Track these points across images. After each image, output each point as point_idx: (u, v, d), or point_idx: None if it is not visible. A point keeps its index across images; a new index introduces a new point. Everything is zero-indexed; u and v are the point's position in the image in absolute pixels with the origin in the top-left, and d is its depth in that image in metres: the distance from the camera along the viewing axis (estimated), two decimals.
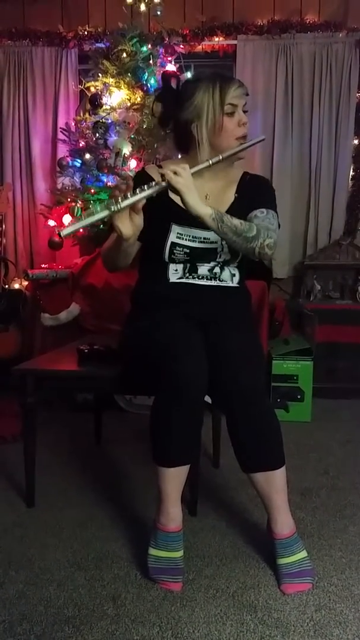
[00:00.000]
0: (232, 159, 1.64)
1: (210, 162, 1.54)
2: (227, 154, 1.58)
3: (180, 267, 1.66)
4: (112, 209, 1.38)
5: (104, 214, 1.38)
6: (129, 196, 1.41)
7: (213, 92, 1.57)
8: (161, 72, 3.15)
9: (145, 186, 1.44)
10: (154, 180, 1.62)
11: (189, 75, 3.06)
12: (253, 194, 1.69)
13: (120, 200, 1.39)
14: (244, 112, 1.63)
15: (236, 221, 1.52)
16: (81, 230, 3.07)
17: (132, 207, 1.43)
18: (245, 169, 1.80)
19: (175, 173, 1.44)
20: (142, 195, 1.42)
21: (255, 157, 3.49)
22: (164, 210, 1.58)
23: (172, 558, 1.45)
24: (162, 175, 1.45)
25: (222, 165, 1.61)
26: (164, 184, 1.44)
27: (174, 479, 1.47)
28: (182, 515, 1.50)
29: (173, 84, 1.66)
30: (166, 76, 1.68)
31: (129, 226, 1.45)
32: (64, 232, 1.38)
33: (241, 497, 1.94)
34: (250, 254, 1.58)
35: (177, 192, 1.45)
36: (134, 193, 1.41)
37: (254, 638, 1.25)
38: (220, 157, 1.56)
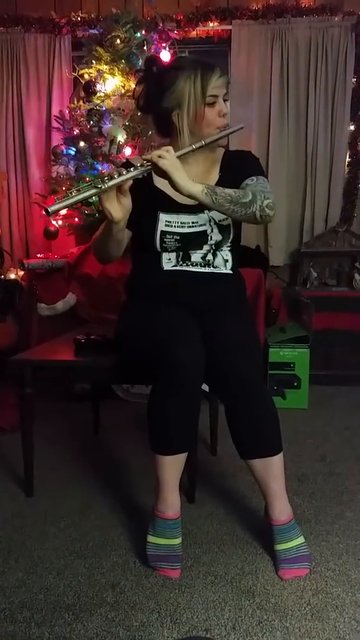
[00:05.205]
0: (213, 144, 1.64)
1: (194, 146, 1.55)
2: (210, 139, 1.59)
3: (173, 255, 1.66)
4: (99, 187, 1.40)
5: (91, 191, 1.41)
6: (115, 177, 1.42)
7: (194, 82, 1.57)
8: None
9: (132, 168, 1.46)
10: None
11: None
12: (237, 167, 1.69)
13: (107, 180, 1.41)
14: (225, 100, 1.62)
15: (229, 190, 1.52)
16: (76, 220, 3.08)
17: (119, 189, 1.44)
18: None
19: (159, 156, 1.45)
20: (128, 175, 1.44)
21: (251, 143, 3.45)
22: (151, 200, 1.58)
23: (170, 545, 1.46)
24: (147, 161, 1.45)
25: (203, 150, 1.61)
26: (149, 165, 1.45)
27: (172, 466, 1.48)
28: (180, 502, 1.51)
29: (155, 68, 1.64)
30: (149, 60, 1.66)
31: (118, 208, 1.47)
32: (52, 208, 1.37)
33: (239, 484, 1.95)
34: (252, 219, 1.56)
35: (164, 174, 1.45)
36: (120, 174, 1.43)
37: (252, 623, 1.26)
38: (203, 143, 1.56)
